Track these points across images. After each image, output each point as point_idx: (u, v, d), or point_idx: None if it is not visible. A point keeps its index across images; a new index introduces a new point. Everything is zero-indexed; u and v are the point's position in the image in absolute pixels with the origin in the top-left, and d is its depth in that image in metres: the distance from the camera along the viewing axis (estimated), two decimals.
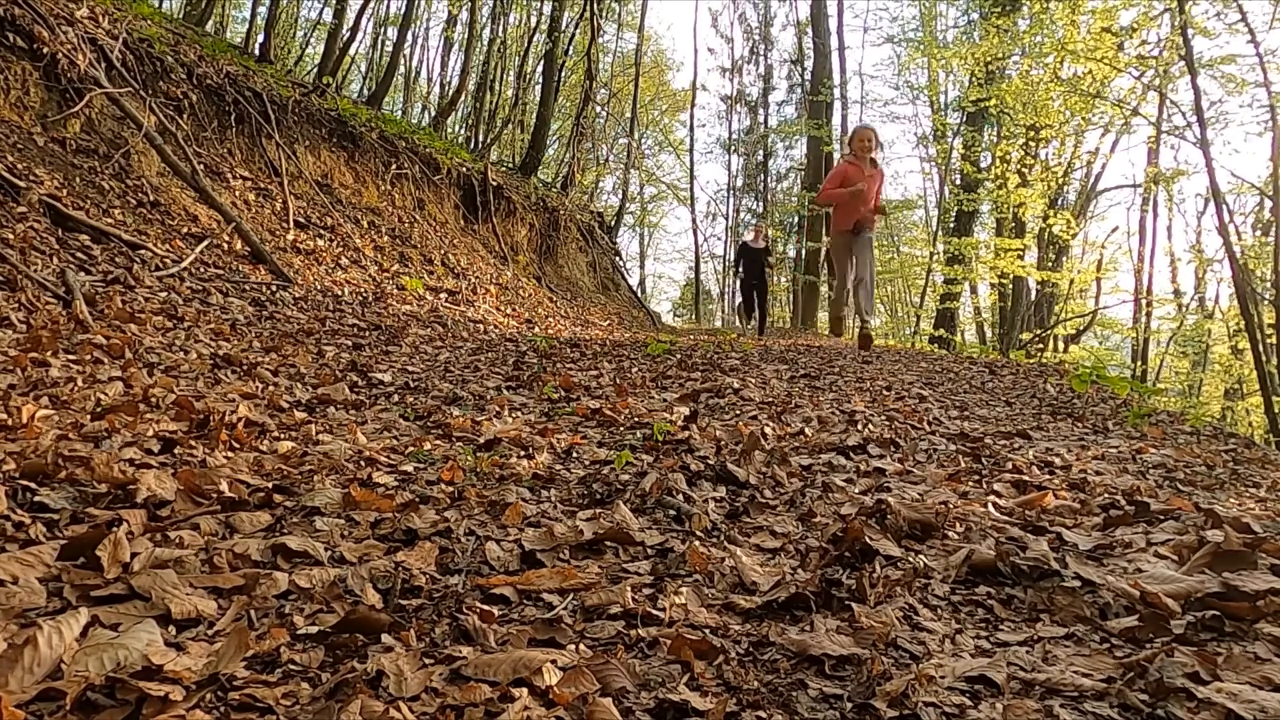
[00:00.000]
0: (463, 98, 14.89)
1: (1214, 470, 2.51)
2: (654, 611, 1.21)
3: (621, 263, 17.69)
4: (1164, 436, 3.19)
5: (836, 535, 1.54)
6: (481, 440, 2.38)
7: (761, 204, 25.35)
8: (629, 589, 1.28)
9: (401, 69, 16.21)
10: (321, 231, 7.24)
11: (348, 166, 8.83)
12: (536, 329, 7.48)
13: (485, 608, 1.21)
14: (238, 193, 6.65)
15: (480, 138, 14.37)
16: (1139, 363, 16.52)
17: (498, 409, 2.93)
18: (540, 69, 15.51)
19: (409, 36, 15.42)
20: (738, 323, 13.79)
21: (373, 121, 9.53)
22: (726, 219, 27.38)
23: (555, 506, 1.79)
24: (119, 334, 3.30)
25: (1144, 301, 16.98)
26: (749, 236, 11.60)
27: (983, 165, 15.20)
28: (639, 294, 17.78)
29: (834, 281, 6.75)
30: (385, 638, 1.10)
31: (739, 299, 12.38)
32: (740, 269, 11.44)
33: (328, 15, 12.24)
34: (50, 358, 2.70)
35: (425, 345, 4.84)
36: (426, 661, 1.04)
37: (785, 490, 1.99)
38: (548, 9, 14.70)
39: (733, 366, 4.74)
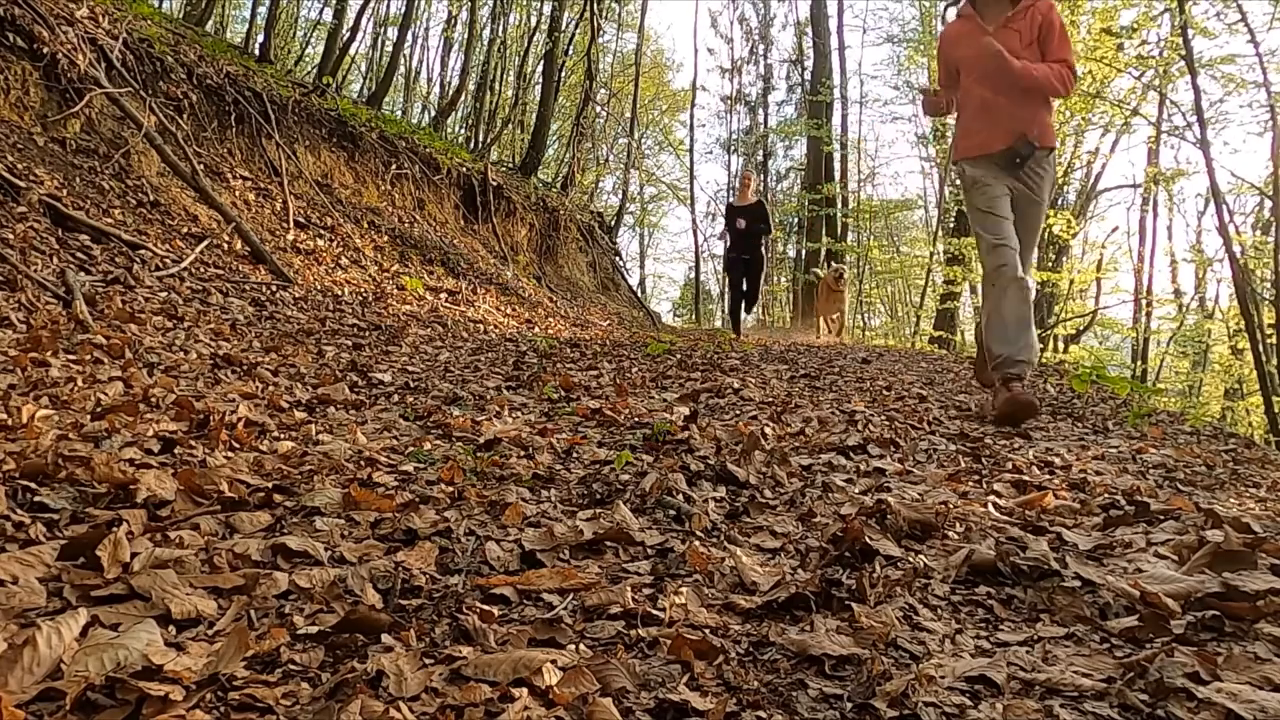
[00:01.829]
0: (463, 98, 14.90)
1: (1214, 470, 2.51)
2: (654, 611, 1.21)
3: (621, 263, 17.68)
4: (1164, 436, 3.19)
5: (836, 535, 1.54)
6: (481, 440, 2.38)
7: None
8: (629, 589, 1.28)
9: (401, 69, 16.21)
10: (321, 231, 7.24)
11: (348, 166, 8.83)
12: (536, 329, 7.48)
13: (485, 608, 1.21)
14: (238, 193, 6.65)
15: (480, 138, 14.36)
16: (1139, 363, 16.52)
17: (498, 409, 2.93)
18: (540, 69, 15.51)
19: (409, 36, 15.43)
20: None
21: (373, 121, 9.53)
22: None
23: (555, 506, 1.79)
24: (119, 334, 3.30)
25: (1144, 301, 16.99)
26: (736, 195, 8.86)
27: None
28: (639, 294, 17.77)
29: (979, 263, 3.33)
30: (385, 638, 1.10)
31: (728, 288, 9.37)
32: (728, 238, 8.71)
33: (328, 15, 12.25)
34: (50, 358, 2.70)
35: (425, 345, 4.84)
36: (426, 661, 1.04)
37: (785, 490, 1.99)
38: (548, 9, 14.71)
39: (733, 366, 4.74)
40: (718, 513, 1.77)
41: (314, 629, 1.12)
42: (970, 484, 2.10)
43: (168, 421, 2.18)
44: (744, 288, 8.54)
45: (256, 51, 9.89)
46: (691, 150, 22.61)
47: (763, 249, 8.34)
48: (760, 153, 25.79)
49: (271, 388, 2.92)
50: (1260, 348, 8.16)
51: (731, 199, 8.86)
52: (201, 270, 4.95)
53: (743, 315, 8.63)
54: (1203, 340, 17.39)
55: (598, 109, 18.13)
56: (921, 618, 1.22)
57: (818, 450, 2.45)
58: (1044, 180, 2.98)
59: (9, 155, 4.56)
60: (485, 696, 0.96)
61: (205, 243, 5.30)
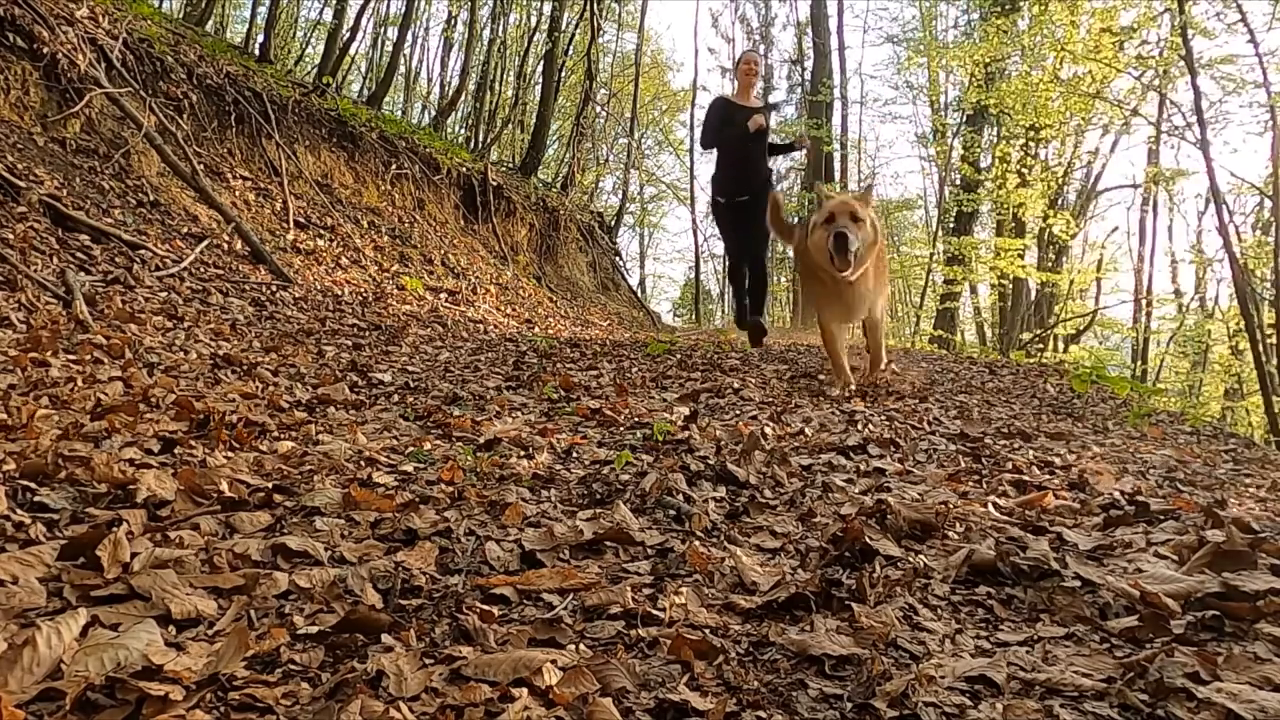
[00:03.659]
0: (463, 98, 14.89)
1: (1214, 470, 2.51)
2: (654, 611, 1.21)
3: (621, 263, 17.67)
4: (1164, 436, 3.19)
5: (836, 535, 1.54)
6: (481, 440, 2.38)
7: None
8: (629, 589, 1.28)
9: (401, 69, 16.21)
10: (321, 231, 7.23)
11: (348, 166, 8.82)
12: (536, 329, 7.48)
13: (485, 608, 1.21)
14: (238, 193, 6.65)
15: (480, 138, 14.36)
16: (1139, 363, 16.52)
17: (498, 409, 2.93)
18: (540, 69, 15.51)
19: (409, 36, 15.42)
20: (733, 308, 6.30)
21: (373, 121, 9.52)
22: None
23: (555, 506, 1.79)
24: (119, 334, 3.30)
25: (1144, 301, 16.99)
26: (737, 90, 5.40)
27: (983, 165, 15.20)
28: (639, 294, 17.76)
29: None
30: (385, 638, 1.10)
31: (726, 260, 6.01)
32: (715, 157, 5.33)
33: (328, 15, 12.25)
34: (50, 358, 2.69)
35: (425, 345, 4.83)
36: (426, 661, 1.04)
37: (785, 490, 1.99)
38: (548, 9, 14.70)
39: (733, 366, 4.74)
40: (718, 513, 1.77)
41: (314, 629, 1.12)
42: (970, 484, 2.10)
43: (168, 421, 2.18)
44: (750, 260, 5.16)
45: (256, 51, 9.88)
46: (691, 150, 22.59)
47: (774, 184, 5.15)
48: None
49: (271, 388, 2.92)
50: (1260, 348, 8.15)
51: (727, 93, 5.53)
52: (201, 270, 4.95)
53: (752, 303, 5.35)
54: (1203, 340, 17.38)
55: (598, 109, 18.12)
56: (921, 618, 1.22)
57: (818, 450, 2.44)
58: None
59: (9, 155, 4.56)
60: (485, 696, 0.96)
61: (205, 243, 5.30)
